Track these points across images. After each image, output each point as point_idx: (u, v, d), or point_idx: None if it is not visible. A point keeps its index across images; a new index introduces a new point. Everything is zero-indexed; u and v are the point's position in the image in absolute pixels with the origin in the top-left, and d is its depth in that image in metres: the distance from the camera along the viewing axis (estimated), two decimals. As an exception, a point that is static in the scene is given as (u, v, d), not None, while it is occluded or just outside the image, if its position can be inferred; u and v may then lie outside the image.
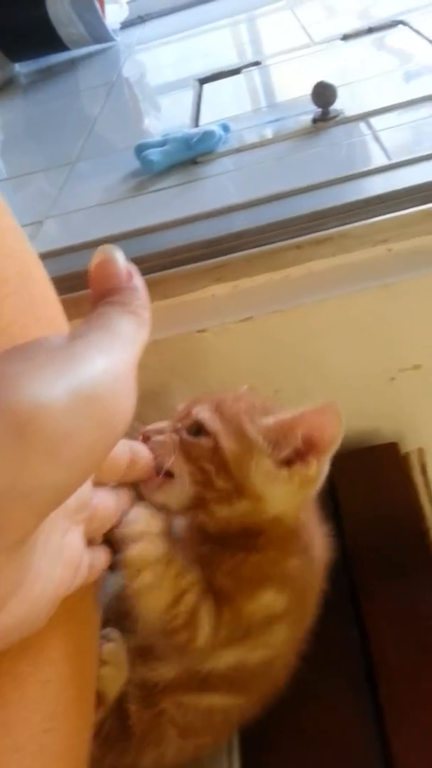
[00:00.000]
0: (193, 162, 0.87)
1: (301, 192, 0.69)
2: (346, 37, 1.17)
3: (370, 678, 0.49)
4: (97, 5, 1.48)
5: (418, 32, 1.08)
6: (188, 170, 0.86)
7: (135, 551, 0.36)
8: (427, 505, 0.62)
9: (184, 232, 0.68)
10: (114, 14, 1.60)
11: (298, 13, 1.44)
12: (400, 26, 1.14)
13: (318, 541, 0.44)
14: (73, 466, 0.23)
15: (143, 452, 0.38)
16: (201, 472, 0.40)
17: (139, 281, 0.30)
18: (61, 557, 0.29)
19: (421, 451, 0.66)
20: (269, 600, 0.40)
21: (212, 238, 0.64)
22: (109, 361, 0.25)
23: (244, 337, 0.60)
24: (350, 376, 0.64)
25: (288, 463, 0.39)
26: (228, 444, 0.40)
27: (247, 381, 0.65)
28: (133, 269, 0.31)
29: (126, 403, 0.25)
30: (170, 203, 0.79)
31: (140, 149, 0.88)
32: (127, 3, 1.68)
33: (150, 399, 0.66)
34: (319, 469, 0.40)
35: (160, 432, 0.42)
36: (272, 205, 0.68)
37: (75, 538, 0.31)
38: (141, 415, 0.69)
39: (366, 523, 0.61)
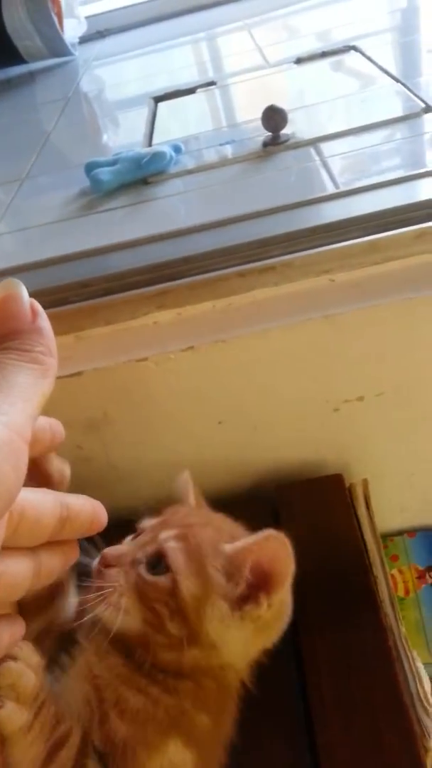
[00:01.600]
0: (144, 182, 0.86)
1: (247, 218, 0.68)
2: (299, 61, 1.18)
3: (308, 718, 0.48)
4: (55, 19, 1.47)
5: (369, 58, 1.09)
6: (138, 191, 0.85)
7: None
8: (370, 539, 0.61)
9: (130, 256, 0.67)
10: (72, 28, 1.58)
11: (255, 34, 1.45)
12: (353, 52, 1.16)
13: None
14: None
15: (79, 506, 0.29)
16: (154, 615, 0.37)
17: (44, 322, 0.26)
18: None
19: (365, 483, 0.65)
20: (174, 753, 0.36)
21: (157, 263, 0.63)
22: None
23: (186, 367, 0.59)
24: (294, 407, 0.63)
25: (240, 600, 0.38)
26: (187, 585, 0.37)
27: (190, 410, 0.64)
28: (38, 308, 0.26)
29: (8, 478, 0.21)
30: (118, 224, 0.77)
31: (90, 167, 0.87)
32: (87, 18, 1.66)
33: (91, 428, 0.65)
34: (273, 610, 0.38)
35: (118, 559, 0.39)
36: (219, 231, 0.67)
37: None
38: (82, 446, 0.67)
39: (308, 555, 0.60)
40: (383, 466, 0.67)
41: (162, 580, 0.38)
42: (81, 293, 0.63)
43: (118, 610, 0.37)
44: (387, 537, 0.73)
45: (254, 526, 0.65)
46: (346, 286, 0.59)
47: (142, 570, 0.38)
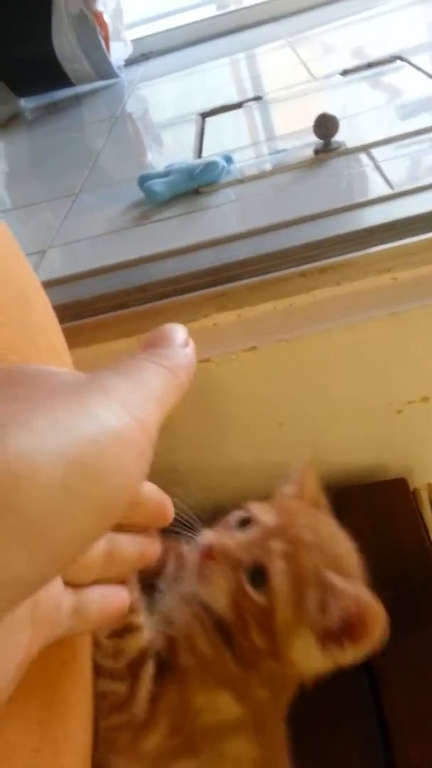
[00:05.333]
0: (196, 192, 0.87)
1: (304, 221, 0.68)
2: (345, 72, 1.18)
3: (383, 732, 0.47)
4: (102, 42, 1.51)
5: (416, 67, 1.09)
6: (191, 201, 0.86)
7: None
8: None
9: (187, 261, 0.67)
10: (118, 51, 1.63)
11: (299, 50, 1.47)
12: (398, 61, 1.16)
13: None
14: (51, 559, 0.17)
15: (125, 545, 0.27)
16: (243, 622, 0.37)
17: (191, 352, 0.26)
18: (28, 618, 0.22)
19: (430, 487, 0.64)
20: (223, 703, 0.37)
21: (215, 266, 0.63)
22: (119, 418, 0.20)
23: (248, 367, 0.59)
24: (357, 409, 0.62)
25: (327, 636, 0.37)
26: (283, 612, 0.37)
27: (251, 412, 0.63)
28: (191, 342, 0.27)
29: (131, 477, 0.20)
30: (173, 233, 0.78)
31: (143, 180, 0.88)
32: (131, 41, 1.71)
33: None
34: (354, 657, 0.37)
35: (222, 556, 0.39)
36: (276, 234, 0.68)
37: (51, 589, 0.24)
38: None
39: (373, 562, 0.59)
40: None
41: (260, 598, 0.37)
42: (140, 297, 0.64)
43: (211, 600, 0.38)
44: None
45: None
46: (409, 284, 0.58)
47: (243, 578, 0.38)
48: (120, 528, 0.27)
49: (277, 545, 0.38)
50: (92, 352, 0.61)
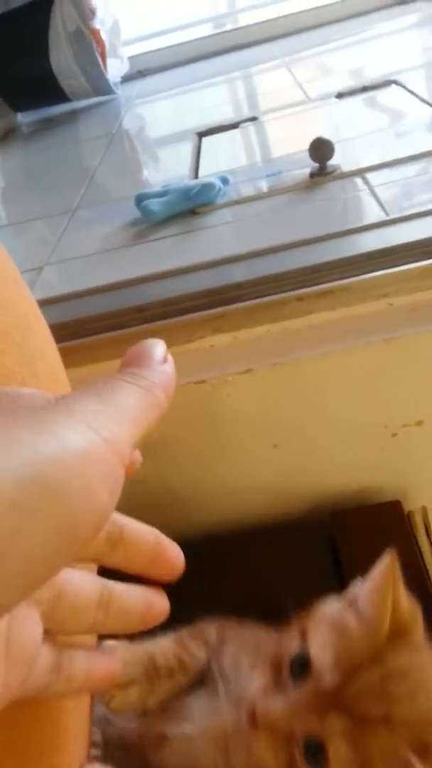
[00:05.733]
0: (193, 213, 0.88)
1: (301, 245, 0.69)
2: (340, 95, 1.20)
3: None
4: (99, 59, 1.53)
5: (411, 91, 1.11)
6: (187, 221, 0.86)
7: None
8: (427, 555, 0.60)
9: (183, 282, 0.68)
10: (115, 68, 1.64)
11: (294, 71, 1.49)
12: (393, 85, 1.18)
13: None
14: (8, 582, 0.16)
15: (122, 592, 0.26)
16: None
17: (170, 368, 0.25)
18: (2, 650, 0.21)
19: (425, 510, 0.64)
20: None
21: (211, 288, 0.64)
22: (84, 438, 0.19)
23: (244, 390, 0.59)
24: (352, 431, 0.62)
25: None
26: None
27: (246, 433, 0.63)
28: (170, 359, 0.26)
29: (98, 496, 0.19)
30: (169, 253, 0.79)
31: (140, 199, 0.89)
32: (128, 58, 1.73)
33: (148, 450, 0.65)
34: None
35: (272, 726, 0.32)
36: (272, 257, 0.68)
37: (26, 626, 0.23)
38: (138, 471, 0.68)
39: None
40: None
41: None
42: (137, 318, 0.64)
43: None
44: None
45: (311, 553, 0.64)
46: (405, 309, 0.59)
47: (297, 753, 0.32)
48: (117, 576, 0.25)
49: (335, 723, 0.32)
50: (88, 372, 0.62)
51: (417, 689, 0.33)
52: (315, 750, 0.32)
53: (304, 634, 0.35)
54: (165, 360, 0.26)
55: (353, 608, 0.37)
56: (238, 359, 0.60)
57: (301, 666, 0.34)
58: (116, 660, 0.26)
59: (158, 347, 0.26)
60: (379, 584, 0.36)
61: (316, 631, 0.35)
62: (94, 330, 0.63)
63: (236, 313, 0.61)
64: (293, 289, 0.60)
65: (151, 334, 0.62)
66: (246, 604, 0.58)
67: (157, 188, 0.92)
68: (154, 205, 0.86)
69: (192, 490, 0.67)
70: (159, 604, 0.27)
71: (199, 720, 0.38)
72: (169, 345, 0.67)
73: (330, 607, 0.38)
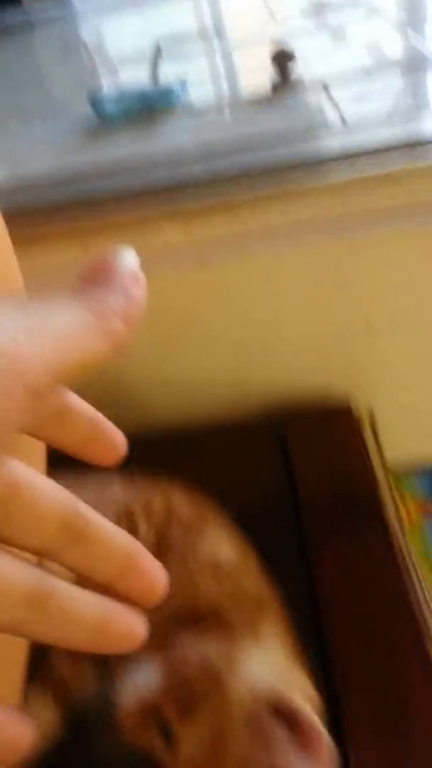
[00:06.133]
0: (150, 117, 0.84)
1: (259, 146, 0.68)
2: (307, 12, 1.17)
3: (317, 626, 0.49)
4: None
5: (377, 10, 1.08)
6: (144, 124, 0.83)
7: None
8: (378, 465, 0.62)
9: (141, 177, 0.66)
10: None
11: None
12: (360, 7, 1.15)
13: None
14: None
15: (65, 592, 0.20)
16: None
17: (138, 292, 0.21)
18: None
19: (371, 413, 0.66)
20: None
21: (168, 184, 0.62)
22: None
23: (196, 286, 0.59)
24: (303, 333, 0.63)
25: None
26: None
27: (203, 332, 0.63)
28: (141, 279, 0.21)
29: None
30: (126, 151, 0.76)
31: (95, 100, 0.85)
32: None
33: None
34: None
35: None
36: (231, 158, 0.67)
37: None
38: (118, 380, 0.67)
39: (318, 485, 0.61)
40: (391, 396, 0.68)
41: None
42: (91, 211, 0.62)
43: None
44: (395, 472, 0.73)
45: (263, 456, 0.65)
46: (358, 213, 0.59)
47: None
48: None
49: None
50: (40, 262, 0.60)
51: None
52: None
53: (190, 708, 0.34)
54: (133, 279, 0.21)
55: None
56: (191, 256, 0.59)
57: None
58: (29, 731, 0.19)
59: (126, 260, 0.22)
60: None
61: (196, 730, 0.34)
62: (46, 221, 0.61)
63: (192, 211, 0.59)
64: (250, 189, 0.59)
65: (105, 227, 0.61)
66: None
67: (113, 92, 0.88)
68: (109, 105, 0.83)
69: (147, 385, 0.67)
70: (124, 622, 0.21)
71: None
72: (123, 240, 0.65)
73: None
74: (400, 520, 0.59)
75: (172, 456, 0.64)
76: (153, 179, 0.64)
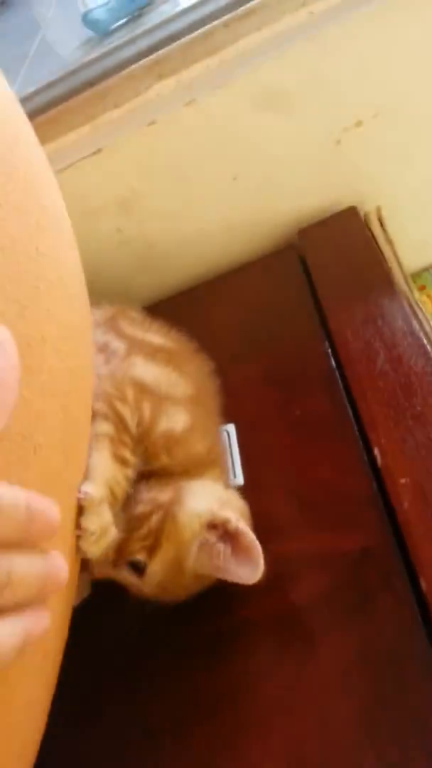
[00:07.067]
0: (138, 16, 0.90)
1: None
2: None
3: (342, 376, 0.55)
4: None
5: None
6: (135, 23, 0.89)
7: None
8: (387, 250, 0.66)
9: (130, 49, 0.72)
10: None
11: None
12: None
13: None
14: None
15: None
16: None
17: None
18: None
19: (378, 209, 0.69)
20: None
21: (151, 43, 0.68)
22: None
23: (192, 122, 0.65)
24: (299, 148, 0.67)
25: None
26: None
27: (205, 169, 0.69)
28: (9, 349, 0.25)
29: None
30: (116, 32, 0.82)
31: (86, 15, 0.92)
32: None
33: (124, 207, 0.72)
34: None
35: None
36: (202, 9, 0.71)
37: None
38: (121, 228, 0.75)
39: (336, 281, 0.65)
40: (396, 196, 0.71)
41: None
42: (94, 88, 0.69)
43: None
44: (414, 275, 0.77)
45: (286, 280, 0.70)
46: (326, 14, 0.62)
47: None
48: None
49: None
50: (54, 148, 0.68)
51: None
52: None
53: (152, 550, 0.40)
54: None
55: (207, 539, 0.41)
56: (181, 96, 0.65)
57: (135, 567, 0.41)
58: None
59: None
60: (242, 579, 0.40)
61: (162, 558, 0.40)
62: (57, 100, 0.68)
63: (174, 56, 0.65)
64: (219, 17, 0.64)
65: (102, 96, 0.68)
66: (238, 340, 0.65)
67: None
68: (100, 13, 0.89)
69: (171, 242, 0.74)
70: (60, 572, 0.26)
71: None
72: (119, 103, 0.72)
73: (195, 523, 0.41)
74: (407, 279, 0.62)
75: (207, 304, 0.71)
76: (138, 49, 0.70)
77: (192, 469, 0.45)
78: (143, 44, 0.66)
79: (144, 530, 0.40)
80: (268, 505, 0.48)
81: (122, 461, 0.40)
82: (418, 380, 0.50)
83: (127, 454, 0.41)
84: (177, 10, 0.66)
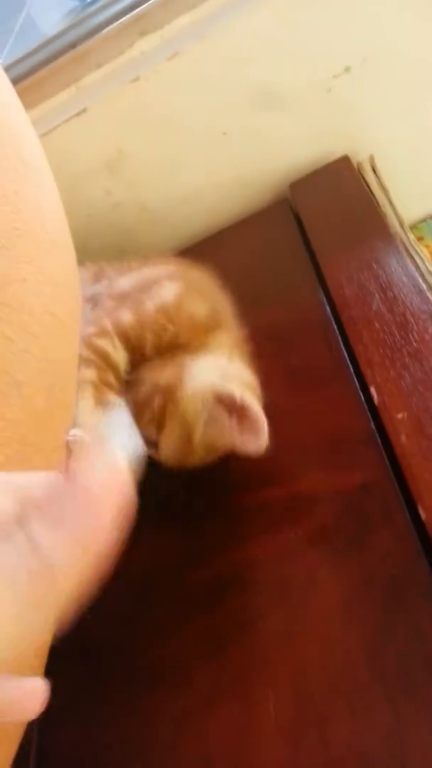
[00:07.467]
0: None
1: None
2: None
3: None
4: None
5: None
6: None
7: None
8: (382, 197, 0.65)
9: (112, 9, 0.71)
10: None
11: None
12: None
13: None
14: None
15: None
16: None
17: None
18: None
19: (372, 158, 0.68)
20: None
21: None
22: None
23: (176, 77, 0.64)
24: (288, 99, 0.66)
25: None
26: None
27: (194, 125, 0.69)
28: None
29: None
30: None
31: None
32: None
33: (112, 169, 0.71)
34: None
35: None
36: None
37: None
38: (110, 191, 0.74)
39: (329, 230, 0.64)
40: (390, 145, 0.69)
41: None
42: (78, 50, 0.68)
43: None
44: (411, 227, 0.75)
45: (281, 234, 0.69)
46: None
47: None
48: None
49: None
50: (39, 113, 0.68)
51: None
52: None
53: (160, 426, 0.41)
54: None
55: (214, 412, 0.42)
56: (163, 51, 0.64)
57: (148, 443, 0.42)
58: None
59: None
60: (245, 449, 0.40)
61: (170, 431, 0.41)
62: (40, 65, 0.68)
63: (155, 11, 0.64)
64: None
65: (85, 55, 0.67)
66: (234, 297, 0.64)
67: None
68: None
69: (163, 203, 0.73)
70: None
71: None
72: (103, 62, 0.70)
73: (200, 394, 0.41)
74: (401, 223, 0.61)
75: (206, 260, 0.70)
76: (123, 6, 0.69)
77: (195, 339, 0.44)
78: (124, 3, 0.65)
79: (147, 416, 0.41)
80: (269, 450, 0.47)
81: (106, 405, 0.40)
82: (413, 318, 0.49)
83: (112, 395, 0.41)
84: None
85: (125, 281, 0.48)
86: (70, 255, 0.43)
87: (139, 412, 0.41)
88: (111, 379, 0.41)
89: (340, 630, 0.37)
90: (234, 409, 0.40)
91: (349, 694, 0.35)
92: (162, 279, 0.48)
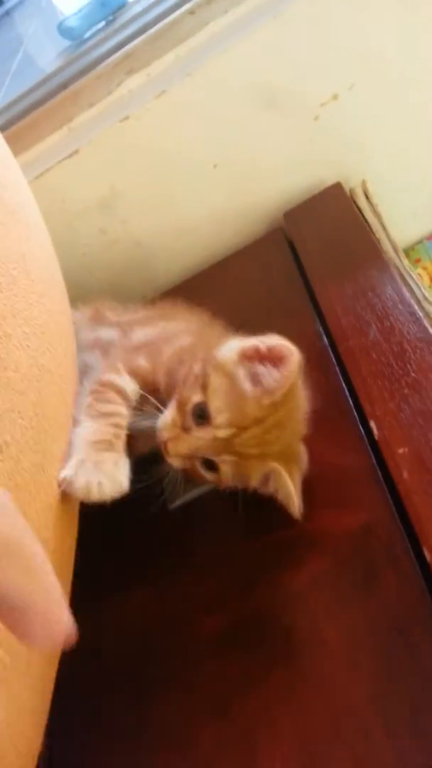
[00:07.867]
0: (114, 19, 0.90)
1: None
2: None
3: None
4: None
5: None
6: (111, 26, 0.89)
7: None
8: (374, 221, 0.64)
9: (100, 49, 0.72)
10: None
11: None
12: None
13: None
14: None
15: None
16: None
17: None
18: None
19: (364, 183, 0.68)
20: None
21: (119, 40, 0.68)
22: None
23: (165, 113, 0.64)
24: (277, 128, 0.66)
25: None
26: None
27: (185, 160, 0.69)
28: None
29: None
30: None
31: (61, 25, 0.92)
32: None
33: (105, 207, 0.71)
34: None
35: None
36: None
37: None
38: (105, 229, 0.74)
39: (323, 259, 0.64)
40: (381, 169, 0.69)
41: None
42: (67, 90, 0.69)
43: None
44: (408, 249, 0.75)
45: (276, 263, 0.69)
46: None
47: (197, 464, 0.43)
48: None
49: (225, 457, 0.42)
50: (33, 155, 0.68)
51: (284, 433, 0.42)
52: (210, 464, 0.42)
53: (205, 387, 0.42)
54: None
55: (252, 370, 0.42)
56: (151, 90, 0.64)
57: (201, 415, 0.42)
58: None
59: None
60: (284, 380, 0.40)
61: (215, 388, 0.42)
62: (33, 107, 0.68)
63: (142, 50, 0.65)
64: (184, 5, 0.63)
65: (74, 96, 0.68)
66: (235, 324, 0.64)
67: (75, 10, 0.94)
68: (73, 21, 0.90)
69: (158, 238, 0.73)
70: None
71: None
72: (95, 102, 0.71)
73: (230, 356, 0.43)
74: (395, 248, 0.61)
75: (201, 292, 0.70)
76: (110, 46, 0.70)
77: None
78: (112, 42, 0.66)
79: (191, 380, 0.42)
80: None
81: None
82: (410, 347, 0.48)
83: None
84: (144, 5, 0.66)
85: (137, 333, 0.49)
86: (61, 301, 0.43)
87: (182, 384, 0.43)
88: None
89: (345, 679, 0.36)
90: (261, 356, 0.42)
91: (354, 744, 0.34)
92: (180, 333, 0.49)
